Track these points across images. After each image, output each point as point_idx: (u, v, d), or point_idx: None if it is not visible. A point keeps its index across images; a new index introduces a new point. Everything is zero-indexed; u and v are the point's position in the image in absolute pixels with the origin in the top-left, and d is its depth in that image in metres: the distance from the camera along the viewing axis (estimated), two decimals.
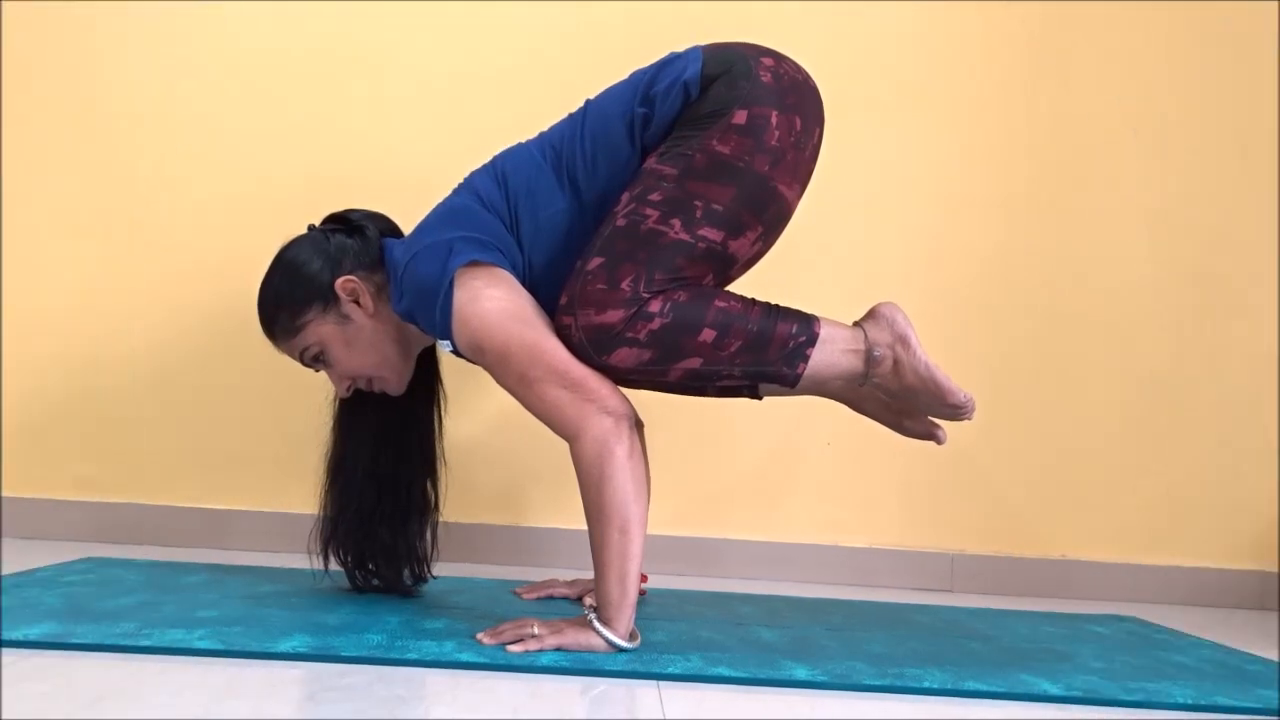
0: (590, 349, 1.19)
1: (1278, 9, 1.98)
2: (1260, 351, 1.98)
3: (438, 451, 1.46)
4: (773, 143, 1.21)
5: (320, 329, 1.33)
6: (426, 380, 1.45)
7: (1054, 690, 1.14)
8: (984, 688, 1.13)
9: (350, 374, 1.36)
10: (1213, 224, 1.98)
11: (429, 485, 1.45)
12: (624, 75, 1.34)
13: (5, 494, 1.86)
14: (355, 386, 1.38)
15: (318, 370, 1.38)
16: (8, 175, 1.90)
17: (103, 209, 1.90)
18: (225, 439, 1.89)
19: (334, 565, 1.43)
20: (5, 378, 1.89)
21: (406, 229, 1.38)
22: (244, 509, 1.88)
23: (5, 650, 1.05)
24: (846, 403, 1.30)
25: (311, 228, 1.40)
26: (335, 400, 1.43)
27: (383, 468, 1.41)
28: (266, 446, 1.88)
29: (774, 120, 1.22)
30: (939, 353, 1.26)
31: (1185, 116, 1.97)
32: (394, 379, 1.38)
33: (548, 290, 1.27)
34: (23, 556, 1.63)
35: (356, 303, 1.33)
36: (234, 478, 1.89)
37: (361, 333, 1.33)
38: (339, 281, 1.32)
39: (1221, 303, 1.96)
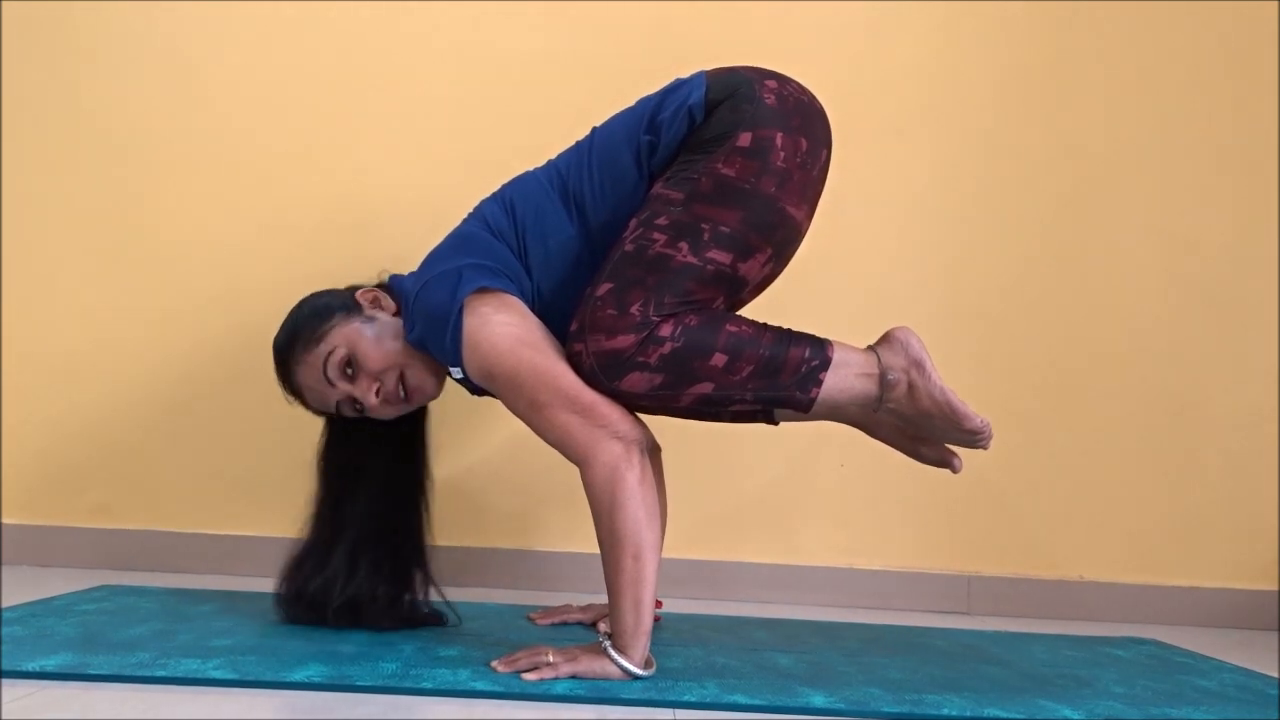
0: (601, 374, 1.19)
1: (1278, 19, 1.97)
2: (1272, 370, 1.96)
3: (425, 522, 1.44)
4: (778, 164, 1.21)
5: (345, 329, 1.31)
6: (411, 439, 1.44)
7: (1076, 717, 1.13)
8: (1004, 714, 1.12)
9: (381, 368, 1.30)
10: (1224, 244, 1.97)
11: (421, 550, 1.42)
12: (630, 102, 1.35)
13: (22, 521, 1.87)
14: (384, 391, 1.32)
15: (344, 386, 1.31)
16: (20, 201, 1.92)
17: (117, 235, 1.92)
18: (239, 465, 1.90)
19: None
20: (20, 404, 1.90)
21: (418, 256, 1.39)
22: (258, 535, 1.88)
23: (23, 682, 1.05)
24: (861, 428, 1.28)
25: None
26: (320, 456, 1.42)
27: (369, 537, 1.39)
28: (280, 472, 1.88)
29: (779, 142, 1.22)
30: (953, 375, 1.25)
31: (1196, 136, 1.96)
32: (427, 372, 1.33)
33: (557, 317, 1.27)
34: (38, 585, 1.63)
35: (378, 306, 1.35)
36: (248, 504, 1.89)
37: (388, 326, 1.33)
38: (359, 293, 1.36)
39: (1234, 324, 1.95)
